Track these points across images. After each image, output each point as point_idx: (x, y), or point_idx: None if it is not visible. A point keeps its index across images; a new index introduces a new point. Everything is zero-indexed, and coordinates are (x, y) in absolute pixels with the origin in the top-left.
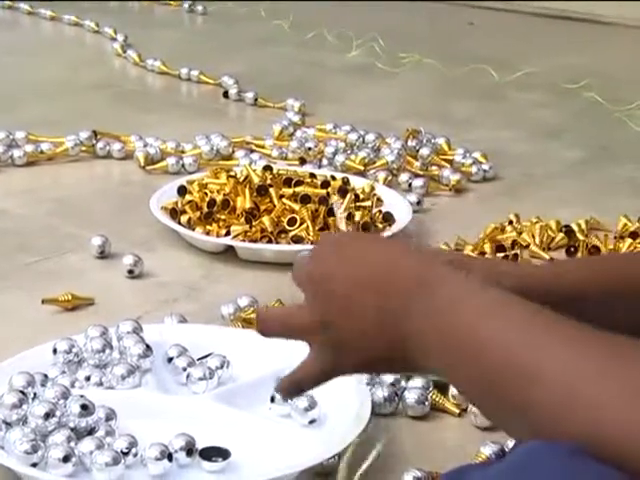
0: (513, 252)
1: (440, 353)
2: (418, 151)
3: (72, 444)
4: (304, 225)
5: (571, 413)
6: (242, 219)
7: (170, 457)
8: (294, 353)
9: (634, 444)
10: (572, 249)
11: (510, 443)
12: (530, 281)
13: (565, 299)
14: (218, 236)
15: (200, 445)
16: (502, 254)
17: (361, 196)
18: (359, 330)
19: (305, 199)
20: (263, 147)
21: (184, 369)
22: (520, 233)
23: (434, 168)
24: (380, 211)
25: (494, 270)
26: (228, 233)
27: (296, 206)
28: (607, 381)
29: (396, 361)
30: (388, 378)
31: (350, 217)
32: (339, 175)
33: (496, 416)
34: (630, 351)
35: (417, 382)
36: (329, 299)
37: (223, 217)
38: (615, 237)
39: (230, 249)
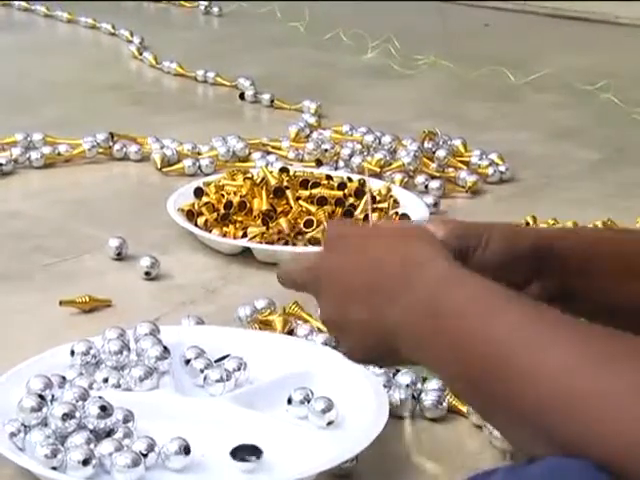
0: None
1: (425, 347)
2: (434, 153)
3: (92, 446)
4: (321, 227)
5: (571, 415)
6: (259, 221)
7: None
8: (312, 356)
9: (626, 448)
10: None
11: None
12: (547, 236)
13: (580, 252)
14: (235, 238)
15: (219, 444)
16: None
17: (378, 198)
18: (357, 323)
19: (322, 201)
20: (279, 149)
21: (201, 371)
22: None
23: (450, 170)
24: (397, 213)
25: (512, 230)
26: (245, 235)
27: (313, 208)
28: (609, 381)
29: (394, 352)
30: (405, 380)
31: (366, 219)
32: (355, 177)
33: (489, 415)
34: (631, 348)
35: (434, 384)
36: (332, 301)
37: (240, 219)
38: None
39: (247, 251)
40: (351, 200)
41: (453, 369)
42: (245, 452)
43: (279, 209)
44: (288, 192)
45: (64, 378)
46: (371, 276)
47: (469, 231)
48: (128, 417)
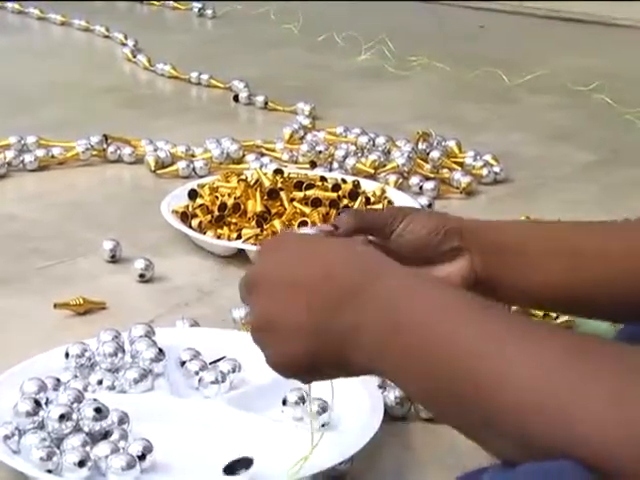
0: None
1: (385, 352)
2: (429, 154)
3: (87, 448)
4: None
5: (540, 419)
6: (253, 222)
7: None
8: None
9: (607, 448)
10: None
11: None
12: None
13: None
14: (229, 240)
15: (212, 451)
16: None
17: (372, 199)
18: (295, 327)
19: (316, 202)
20: (273, 151)
21: (196, 373)
22: None
23: (445, 171)
24: None
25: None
26: (239, 237)
27: (307, 209)
28: (584, 386)
29: (341, 365)
30: None
31: None
32: (350, 178)
33: (454, 422)
34: (598, 349)
35: None
36: (266, 298)
37: (234, 221)
38: None
39: (241, 253)
40: (345, 202)
41: (417, 379)
42: (236, 465)
43: (273, 211)
44: (282, 194)
45: (58, 380)
46: (317, 273)
47: (380, 215)
48: (123, 419)
